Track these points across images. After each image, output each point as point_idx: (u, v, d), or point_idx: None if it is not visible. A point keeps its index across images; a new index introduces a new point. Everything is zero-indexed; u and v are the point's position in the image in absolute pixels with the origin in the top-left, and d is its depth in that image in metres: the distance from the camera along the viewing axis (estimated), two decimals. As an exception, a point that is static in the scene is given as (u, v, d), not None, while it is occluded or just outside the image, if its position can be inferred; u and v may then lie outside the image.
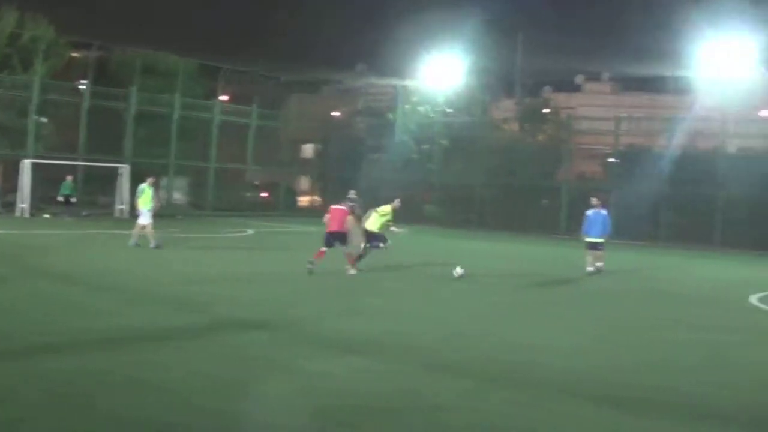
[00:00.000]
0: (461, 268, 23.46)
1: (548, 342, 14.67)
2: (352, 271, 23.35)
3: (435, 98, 56.03)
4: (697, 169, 43.75)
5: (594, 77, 70.96)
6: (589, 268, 26.55)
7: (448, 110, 56.25)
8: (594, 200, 27.67)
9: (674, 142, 48.32)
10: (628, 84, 66.16)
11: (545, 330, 16.10)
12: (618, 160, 49.27)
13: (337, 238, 23.52)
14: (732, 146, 46.50)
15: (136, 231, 28.85)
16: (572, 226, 39.25)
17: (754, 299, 22.01)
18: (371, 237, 24.32)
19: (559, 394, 11.01)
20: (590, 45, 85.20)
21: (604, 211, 27.31)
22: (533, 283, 23.78)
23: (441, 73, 54.72)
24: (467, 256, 30.38)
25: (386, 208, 24.59)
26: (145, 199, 29.05)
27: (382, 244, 24.33)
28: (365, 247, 24.51)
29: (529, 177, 48.51)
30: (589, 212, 27.39)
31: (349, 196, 31.46)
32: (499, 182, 49.11)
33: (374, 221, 24.37)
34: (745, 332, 17.07)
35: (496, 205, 48.95)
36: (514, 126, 56.49)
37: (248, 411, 9.66)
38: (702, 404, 10.85)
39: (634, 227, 40.15)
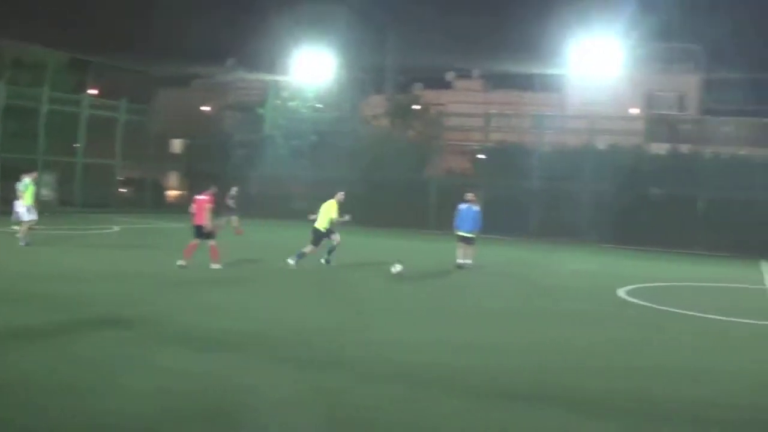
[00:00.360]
0: (399, 264, 22.81)
1: (406, 336, 14.50)
2: (216, 266, 22.39)
3: (305, 93, 55.36)
4: (566, 165, 43.89)
5: (464, 75, 71.17)
6: (459, 261, 26.36)
7: (318, 106, 55.64)
8: (469, 195, 27.48)
9: (543, 138, 48.60)
10: (498, 81, 66.57)
11: (408, 324, 15.91)
12: (486, 157, 49.22)
13: (202, 230, 22.63)
14: (601, 143, 46.77)
15: (23, 229, 27.38)
16: (441, 221, 39.01)
17: (621, 292, 22.18)
18: (320, 235, 24.31)
19: (411, 387, 10.78)
20: (461, 43, 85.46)
21: (476, 207, 27.15)
22: (401, 278, 23.07)
23: (312, 68, 54.14)
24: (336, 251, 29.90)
25: (332, 203, 24.50)
26: (29, 195, 27.80)
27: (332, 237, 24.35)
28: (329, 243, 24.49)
29: (399, 173, 48.05)
30: (462, 207, 27.20)
31: (231, 193, 30.61)
32: (368, 178, 48.48)
33: (323, 219, 24.26)
34: (617, 323, 17.46)
35: (365, 201, 48.29)
36: (384, 122, 56.14)
37: (96, 410, 9.05)
38: (580, 394, 10.90)
39: (504, 223, 40.09)
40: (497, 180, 43.91)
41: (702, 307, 19.97)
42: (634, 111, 59.67)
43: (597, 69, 52.10)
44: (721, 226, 41.43)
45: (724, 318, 18.65)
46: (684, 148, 46.68)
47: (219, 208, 27.49)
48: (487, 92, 66.78)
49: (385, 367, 11.88)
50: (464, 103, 60.65)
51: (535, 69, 56.99)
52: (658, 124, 56.35)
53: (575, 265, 31.68)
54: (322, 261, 24.27)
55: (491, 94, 65.56)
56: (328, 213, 24.30)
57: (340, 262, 24.70)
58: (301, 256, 23.81)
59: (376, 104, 59.49)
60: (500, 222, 38.49)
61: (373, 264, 25.92)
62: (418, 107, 58.44)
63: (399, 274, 22.44)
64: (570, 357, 13.38)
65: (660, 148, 47.54)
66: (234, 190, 36.14)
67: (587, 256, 35.88)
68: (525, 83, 62.32)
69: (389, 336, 14.36)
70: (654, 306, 20.00)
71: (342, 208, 24.60)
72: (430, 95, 64.23)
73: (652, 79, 61.15)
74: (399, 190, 47.29)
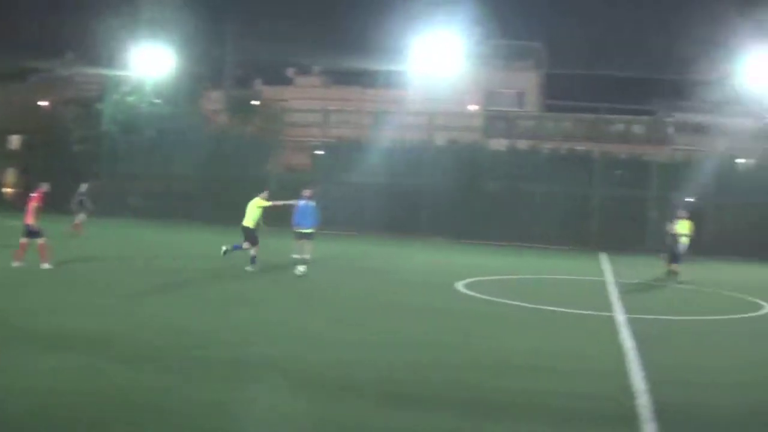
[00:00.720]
0: (303, 267, 22.75)
1: (274, 329, 14.42)
2: (46, 266, 21.20)
3: (144, 88, 53.94)
4: (406, 161, 43.76)
5: (305, 71, 70.60)
6: (296, 256, 25.98)
7: (157, 101, 54.27)
8: (306, 191, 27.39)
9: (383, 134, 48.40)
10: (339, 78, 66.20)
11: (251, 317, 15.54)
12: (325, 152, 48.71)
13: (30, 229, 21.47)
14: (440, 139, 46.85)
15: None
16: (280, 217, 38.48)
17: (460, 285, 22.20)
18: (251, 232, 23.71)
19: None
20: (302, 38, 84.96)
21: (312, 203, 27.10)
22: (239, 275, 22.47)
23: (151, 63, 52.78)
24: (174, 248, 30.01)
25: (257, 201, 23.98)
26: None
27: (245, 245, 23.69)
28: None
29: (238, 168, 47.09)
30: (300, 203, 27.08)
31: (80, 190, 29.46)
32: (206, 174, 47.43)
33: (250, 217, 23.71)
34: (452, 315, 17.26)
35: (203, 197, 47.22)
36: (224, 117, 55.24)
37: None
38: (416, 387, 10.70)
39: (343, 218, 39.75)
40: (336, 175, 43.47)
41: (539, 299, 20.08)
42: (474, 108, 60.03)
43: (437, 66, 52.15)
44: (559, 220, 42.05)
45: (561, 309, 18.69)
46: (522, 144, 47.15)
47: (57, 206, 26.08)
48: (328, 88, 66.28)
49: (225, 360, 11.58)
50: (304, 99, 60.12)
51: (376, 65, 56.85)
52: (497, 121, 56.93)
53: (414, 259, 31.55)
54: (223, 251, 23.90)
55: (331, 90, 65.10)
56: (253, 210, 23.81)
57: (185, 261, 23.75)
58: (253, 260, 23.38)
59: (216, 99, 58.57)
60: (339, 217, 38.20)
61: (218, 266, 25.04)
62: (257, 103, 57.70)
63: (302, 275, 22.31)
64: (403, 350, 13.15)
65: (499, 144, 47.91)
66: (84, 187, 34.61)
67: (427, 251, 35.79)
68: (366, 80, 62.18)
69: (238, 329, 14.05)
70: (490, 298, 19.98)
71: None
72: (271, 91, 63.64)
73: (492, 77, 61.59)
74: (238, 186, 46.28)
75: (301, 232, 26.68)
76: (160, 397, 9.65)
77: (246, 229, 23.74)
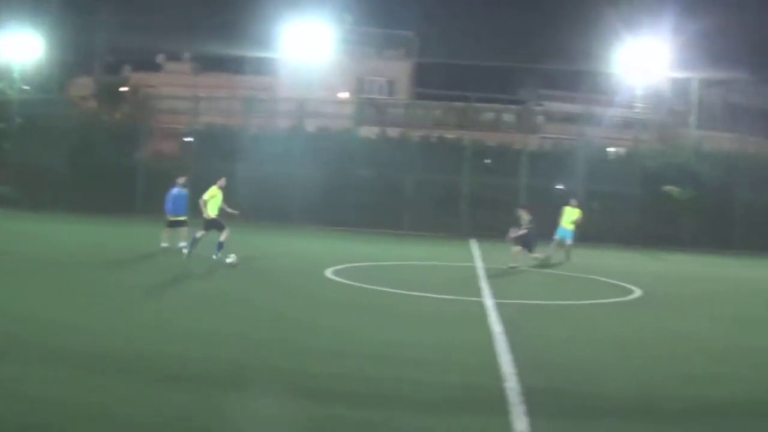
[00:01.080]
0: (233, 256, 22.53)
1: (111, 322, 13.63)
2: None
3: (11, 74, 52.40)
4: (276, 148, 43.35)
5: (175, 57, 69.66)
6: (165, 245, 25.96)
7: (25, 87, 52.80)
8: (180, 179, 27.31)
9: (253, 121, 48.01)
10: (209, 64, 65.50)
11: (117, 310, 14.91)
12: (195, 140, 47.94)
13: None
14: (311, 126, 46.60)
15: None
16: (149, 205, 37.81)
17: (329, 272, 22.09)
18: (210, 222, 23.51)
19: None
20: (172, 25, 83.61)
21: (185, 190, 27.07)
22: (106, 263, 21.99)
23: (18, 48, 51.34)
24: (40, 239, 28.85)
25: (214, 189, 23.67)
26: None
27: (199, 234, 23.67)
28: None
29: (106, 156, 46.02)
30: (174, 191, 26.98)
31: None
32: (75, 162, 46.22)
33: (211, 206, 23.47)
34: (320, 302, 17.20)
35: (72, 186, 46.02)
36: (93, 104, 54.03)
37: None
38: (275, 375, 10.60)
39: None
40: (206, 163, 42.77)
41: (409, 285, 20.09)
42: (345, 95, 59.96)
43: (308, 53, 51.91)
44: (430, 207, 42.31)
45: (431, 295, 18.72)
46: (393, 131, 47.26)
47: None
48: (198, 75, 65.47)
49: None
50: (174, 86, 59.21)
51: (247, 52, 56.37)
52: (368, 109, 57.01)
53: (285, 246, 31.38)
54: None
55: (202, 77, 64.33)
56: (211, 199, 23.41)
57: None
58: (220, 247, 23.17)
59: (85, 86, 57.26)
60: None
61: (88, 255, 24.40)
62: (126, 89, 56.68)
63: (233, 264, 22.20)
64: (257, 337, 12.94)
65: (370, 132, 47.94)
66: None
67: (297, 238, 35.57)
68: (236, 66, 61.65)
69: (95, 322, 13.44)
70: (359, 285, 19.92)
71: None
72: (140, 77, 62.59)
73: (364, 64, 61.68)
74: (106, 174, 45.29)
75: (174, 220, 26.47)
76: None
77: (205, 219, 23.41)
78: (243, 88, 55.78)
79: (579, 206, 30.57)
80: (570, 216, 29.98)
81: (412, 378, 10.72)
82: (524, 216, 26.04)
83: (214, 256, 22.81)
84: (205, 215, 23.32)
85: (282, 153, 43.21)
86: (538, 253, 27.19)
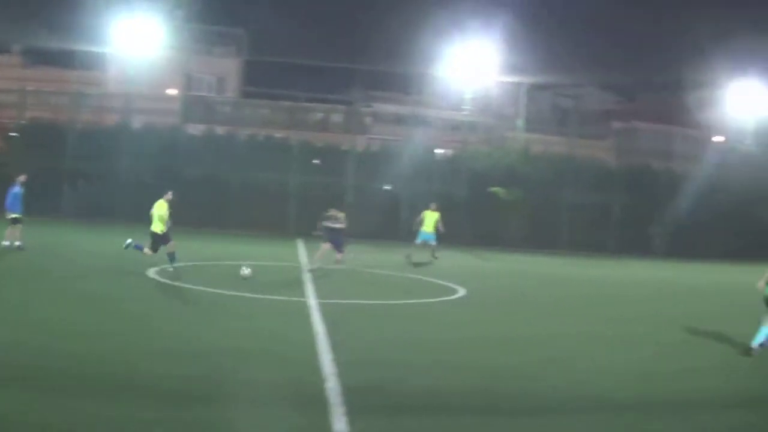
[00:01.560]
0: (247, 268, 22.00)
1: None
2: None
3: None
4: (102, 144, 42.64)
5: (3, 49, 67.62)
6: (6, 243, 25.67)
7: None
8: (21, 177, 26.90)
9: (81, 116, 47.14)
10: (38, 57, 63.77)
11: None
12: (20, 135, 46.68)
13: None
14: (137, 122, 46.02)
15: None
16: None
17: (151, 272, 22.02)
18: (157, 238, 22.92)
19: None
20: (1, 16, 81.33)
21: (22, 189, 26.71)
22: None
23: None
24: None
25: (161, 203, 23.17)
26: None
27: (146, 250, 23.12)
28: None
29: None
30: (15, 189, 26.51)
31: None
32: None
33: (157, 222, 22.89)
34: (142, 302, 17.25)
35: None
36: None
37: None
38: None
39: (37, 203, 38.30)
40: (31, 159, 41.73)
41: (233, 285, 20.19)
42: (173, 92, 59.38)
43: (137, 48, 51.21)
44: (257, 206, 42.41)
45: (256, 295, 18.88)
46: (221, 129, 47.15)
47: None
48: (26, 68, 63.63)
49: None
50: (1, 79, 57.45)
51: (77, 46, 55.18)
52: (196, 106, 56.69)
53: (107, 245, 30.96)
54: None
55: (30, 71, 62.55)
56: (159, 214, 22.91)
57: None
58: (172, 258, 22.76)
59: None
60: (34, 202, 36.92)
61: None
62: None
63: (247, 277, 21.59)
64: (71, 339, 12.75)
65: (196, 129, 47.75)
66: None
67: (123, 237, 35.06)
68: (66, 60, 60.23)
69: None
70: (182, 285, 20.02)
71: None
72: (-36, 70, 60.54)
73: (193, 61, 61.11)
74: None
75: (14, 218, 26.02)
76: None
77: (153, 234, 22.92)
78: (72, 83, 54.56)
79: (438, 209, 31.29)
80: (431, 219, 30.83)
81: (235, 378, 10.91)
82: (337, 214, 26.06)
83: (170, 268, 22.42)
84: (155, 230, 22.93)
85: (108, 149, 42.47)
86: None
